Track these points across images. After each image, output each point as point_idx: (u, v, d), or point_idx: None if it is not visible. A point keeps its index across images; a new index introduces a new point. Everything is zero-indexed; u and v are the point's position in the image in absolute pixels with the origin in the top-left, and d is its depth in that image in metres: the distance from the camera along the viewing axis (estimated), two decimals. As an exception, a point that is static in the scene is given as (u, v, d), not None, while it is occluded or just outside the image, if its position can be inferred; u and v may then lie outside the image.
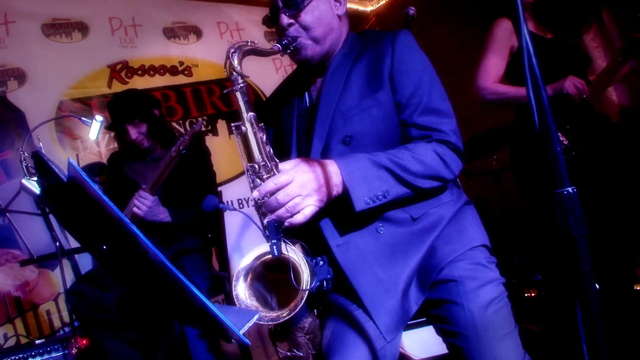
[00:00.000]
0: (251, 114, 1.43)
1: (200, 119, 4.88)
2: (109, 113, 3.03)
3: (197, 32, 5.10)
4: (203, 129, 4.84)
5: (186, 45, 5.02)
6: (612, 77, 2.63)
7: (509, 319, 1.40)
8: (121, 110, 2.92)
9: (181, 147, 2.62)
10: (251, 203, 4.75)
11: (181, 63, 4.94)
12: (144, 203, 2.72)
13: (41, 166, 1.01)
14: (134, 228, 0.89)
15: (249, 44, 1.48)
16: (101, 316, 2.64)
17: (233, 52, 1.45)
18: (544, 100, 0.80)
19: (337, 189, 1.37)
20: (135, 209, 2.72)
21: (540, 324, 3.07)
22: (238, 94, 1.44)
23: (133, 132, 2.89)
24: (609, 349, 0.80)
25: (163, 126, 3.12)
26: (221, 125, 4.96)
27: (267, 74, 5.07)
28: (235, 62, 1.44)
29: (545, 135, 0.78)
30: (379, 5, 5.90)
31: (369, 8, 5.98)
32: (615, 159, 2.58)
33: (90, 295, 2.65)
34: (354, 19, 5.71)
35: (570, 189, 0.78)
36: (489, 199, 4.58)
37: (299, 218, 1.33)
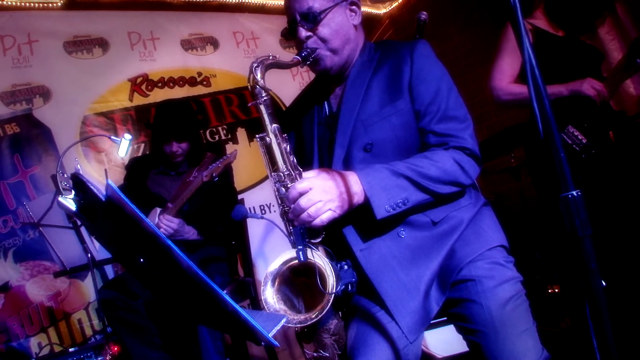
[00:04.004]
0: (275, 125, 1.48)
1: (220, 127, 4.95)
2: (156, 115, 3.02)
3: (214, 43, 5.15)
4: (223, 137, 4.92)
5: (204, 56, 5.08)
6: (623, 76, 2.63)
7: (527, 316, 1.43)
8: (175, 124, 2.92)
9: (214, 174, 2.71)
10: (273, 209, 4.80)
11: (199, 74, 5.00)
12: (169, 226, 2.76)
13: (80, 186, 1.08)
14: (169, 241, 0.96)
15: (271, 57, 1.52)
16: (131, 318, 2.68)
17: (256, 67, 1.48)
18: (547, 108, 0.84)
19: (357, 197, 1.40)
20: (162, 231, 2.74)
21: (562, 321, 3.07)
22: (262, 107, 1.49)
23: (175, 146, 2.92)
24: (618, 344, 0.83)
25: (200, 148, 3.16)
26: (241, 133, 5.00)
27: (285, 82, 5.09)
28: (259, 76, 1.48)
29: (550, 142, 0.82)
30: (392, 7, 5.90)
31: (382, 11, 5.99)
32: (633, 155, 2.57)
33: (121, 297, 2.69)
34: (367, 22, 5.68)
35: (574, 193, 0.81)
36: (509, 196, 4.56)
37: (316, 222, 1.35)
